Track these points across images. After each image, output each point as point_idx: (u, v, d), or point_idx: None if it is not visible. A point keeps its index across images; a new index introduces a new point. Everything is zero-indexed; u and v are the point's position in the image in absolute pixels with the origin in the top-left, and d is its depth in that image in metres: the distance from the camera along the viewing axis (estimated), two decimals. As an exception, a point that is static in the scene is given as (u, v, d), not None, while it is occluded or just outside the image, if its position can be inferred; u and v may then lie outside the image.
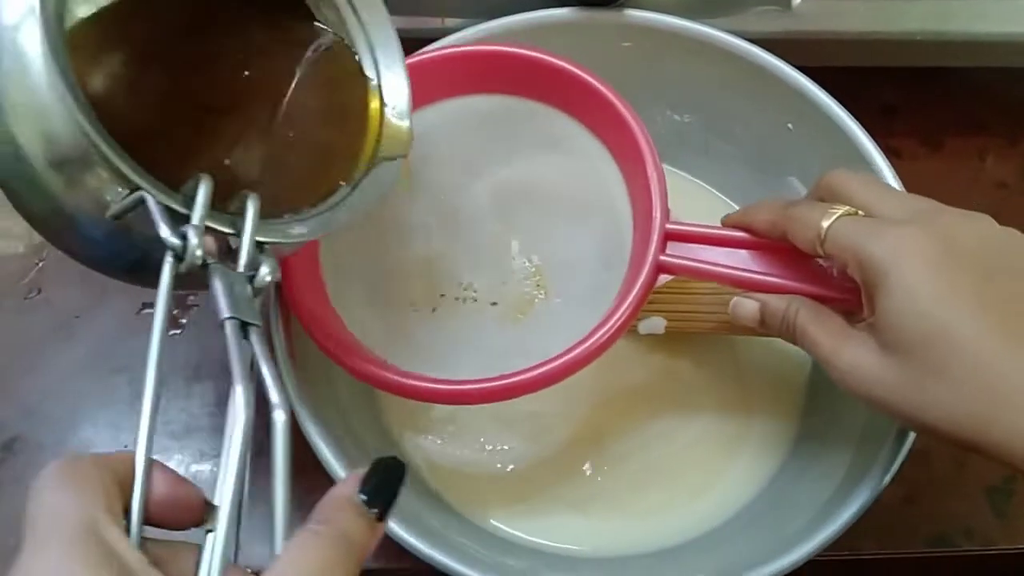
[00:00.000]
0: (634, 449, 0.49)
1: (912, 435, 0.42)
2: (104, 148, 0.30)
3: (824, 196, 0.40)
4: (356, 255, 0.45)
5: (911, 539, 0.51)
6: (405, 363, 0.41)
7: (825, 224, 0.37)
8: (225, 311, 0.30)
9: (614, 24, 0.51)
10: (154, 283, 0.35)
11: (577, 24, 0.51)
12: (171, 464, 0.50)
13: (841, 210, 0.38)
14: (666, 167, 0.54)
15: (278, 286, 0.44)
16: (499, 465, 0.49)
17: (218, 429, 0.52)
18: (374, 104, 0.40)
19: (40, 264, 0.57)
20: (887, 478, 0.42)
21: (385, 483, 0.29)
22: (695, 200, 0.56)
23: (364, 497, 0.28)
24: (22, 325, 0.55)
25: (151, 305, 0.55)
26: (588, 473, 0.49)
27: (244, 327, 0.30)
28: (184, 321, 0.55)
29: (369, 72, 0.40)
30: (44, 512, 0.26)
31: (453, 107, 0.45)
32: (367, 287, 0.45)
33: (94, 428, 0.52)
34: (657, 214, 0.42)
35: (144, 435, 0.28)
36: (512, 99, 0.46)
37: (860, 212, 0.38)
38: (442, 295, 0.45)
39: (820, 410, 0.50)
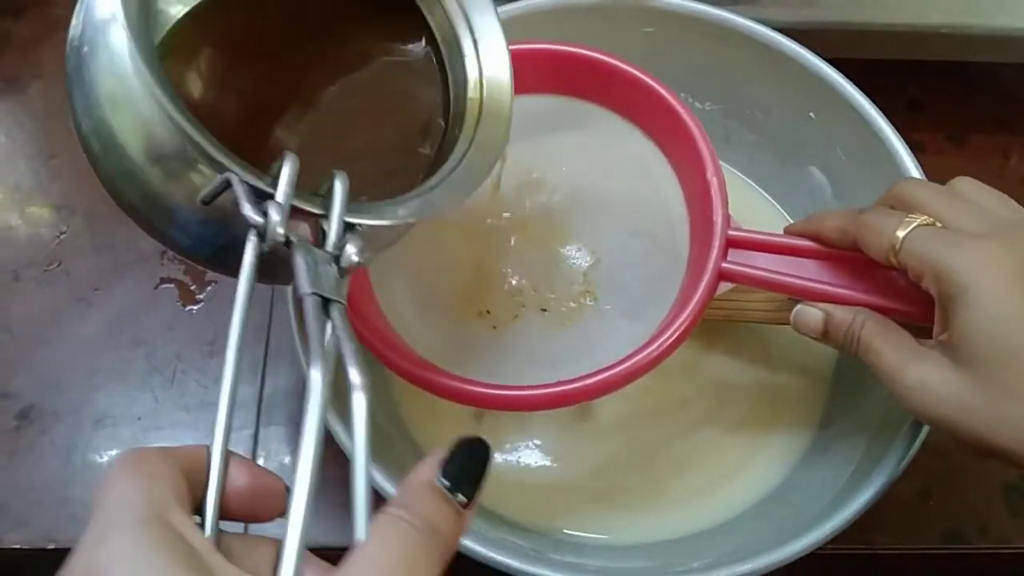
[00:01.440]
0: (659, 439, 0.49)
1: (927, 426, 0.42)
2: (190, 130, 0.30)
3: (893, 205, 0.39)
4: (401, 257, 0.44)
5: (926, 534, 0.50)
6: (450, 369, 0.41)
7: (901, 233, 0.36)
8: (305, 286, 0.29)
9: (637, 8, 0.51)
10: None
11: (599, 8, 0.51)
12: (185, 438, 0.51)
13: (918, 220, 0.37)
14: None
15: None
16: (522, 461, 0.48)
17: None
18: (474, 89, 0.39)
19: (61, 237, 0.57)
20: (900, 468, 0.41)
21: (468, 466, 0.27)
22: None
23: (447, 483, 0.26)
24: (41, 296, 0.55)
25: (169, 280, 0.56)
26: (609, 463, 0.48)
27: (325, 304, 0.29)
28: (201, 297, 0.55)
29: (471, 64, 0.39)
30: (111, 501, 0.25)
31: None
32: (412, 290, 0.44)
33: (109, 400, 0.52)
34: (719, 219, 0.41)
35: (222, 424, 0.27)
36: (562, 99, 0.46)
37: (937, 223, 0.37)
38: (489, 305, 0.45)
39: (844, 400, 0.49)
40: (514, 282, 0.45)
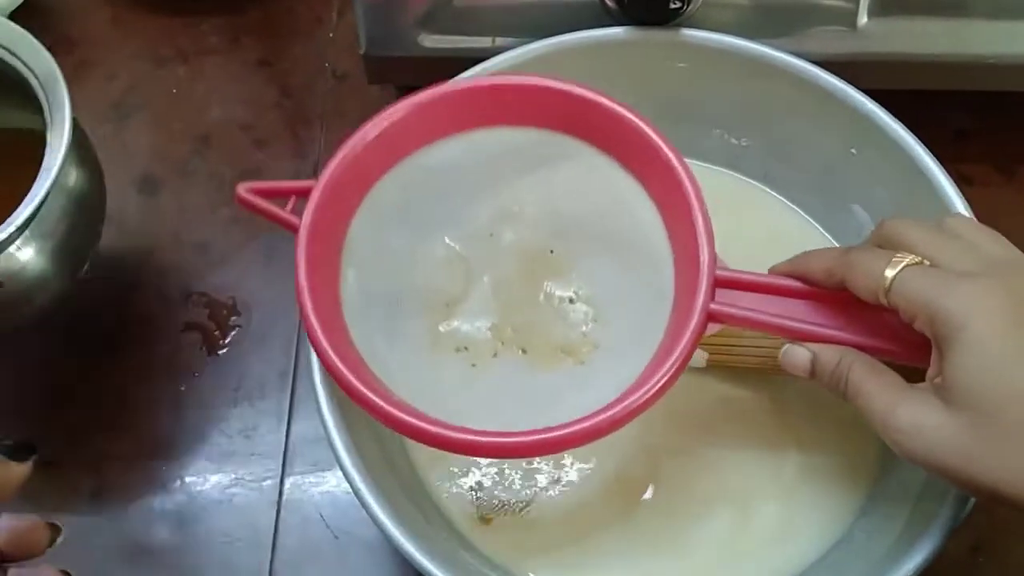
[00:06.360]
0: (692, 504, 0.46)
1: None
2: None
3: (883, 244, 0.39)
4: (377, 295, 0.42)
5: (978, 593, 0.48)
6: (431, 412, 0.39)
7: (890, 274, 0.35)
8: None
9: (670, 44, 0.50)
10: None
11: (631, 44, 0.50)
12: (207, 486, 0.50)
13: (907, 259, 0.36)
14: (726, 171, 0.54)
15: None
16: (535, 512, 0.47)
17: (254, 453, 0.51)
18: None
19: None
20: (948, 531, 0.39)
21: None
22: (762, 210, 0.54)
23: None
24: (68, 344, 0.55)
25: (193, 326, 0.55)
26: (628, 519, 0.46)
27: None
28: (225, 343, 0.55)
29: None
30: None
31: (480, 138, 0.43)
32: (388, 329, 0.42)
33: (133, 448, 0.52)
34: (705, 258, 0.39)
35: None
36: (543, 133, 0.44)
37: (925, 261, 0.36)
38: (467, 341, 0.43)
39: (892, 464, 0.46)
40: (492, 320, 0.43)
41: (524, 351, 0.42)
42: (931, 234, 0.37)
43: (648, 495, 0.47)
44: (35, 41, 0.47)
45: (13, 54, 0.47)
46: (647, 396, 0.37)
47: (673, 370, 0.38)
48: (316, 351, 0.39)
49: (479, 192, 0.44)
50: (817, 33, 0.51)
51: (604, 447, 0.47)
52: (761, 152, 0.53)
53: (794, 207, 0.54)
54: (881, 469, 0.46)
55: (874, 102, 0.47)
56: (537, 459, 0.47)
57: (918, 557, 0.39)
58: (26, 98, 0.47)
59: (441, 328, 0.43)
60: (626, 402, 0.37)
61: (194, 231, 0.58)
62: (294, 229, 0.40)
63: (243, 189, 0.41)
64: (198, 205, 0.59)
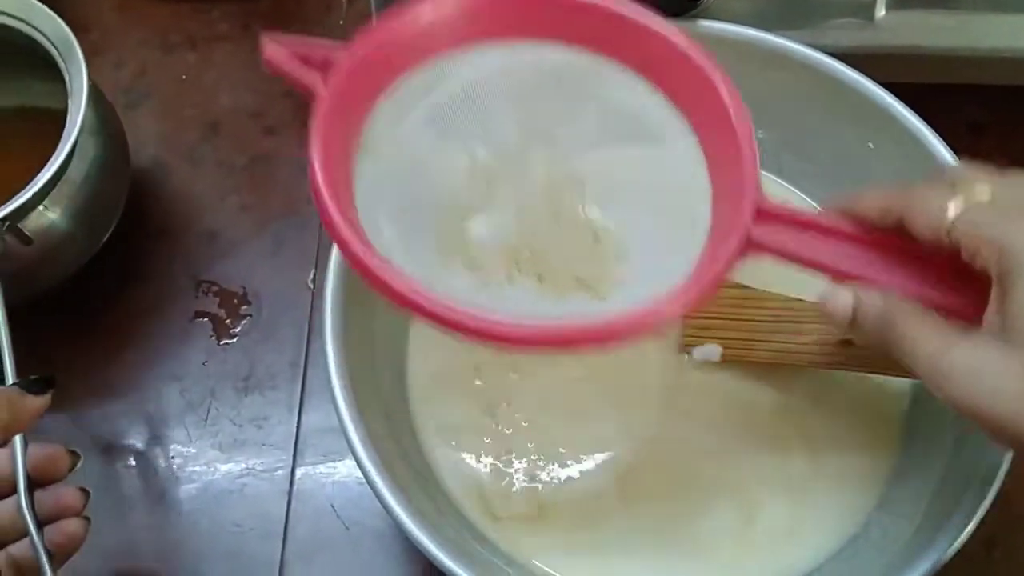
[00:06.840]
0: (705, 496, 0.47)
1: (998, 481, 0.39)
2: None
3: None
4: (391, 195, 0.38)
5: (992, 589, 0.48)
6: None
7: (956, 205, 0.34)
8: None
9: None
10: None
11: (648, 34, 0.49)
12: (219, 480, 0.50)
13: (974, 192, 0.34)
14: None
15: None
16: (545, 505, 0.47)
17: (265, 443, 0.51)
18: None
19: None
20: (966, 532, 0.40)
21: None
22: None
23: None
24: (77, 331, 0.55)
25: (203, 314, 0.55)
26: (636, 513, 0.46)
27: None
28: (236, 331, 0.54)
29: None
30: None
31: (526, 53, 0.39)
32: (404, 242, 0.38)
33: (143, 437, 0.52)
34: (749, 181, 0.36)
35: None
36: (573, 53, 0.40)
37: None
38: (481, 258, 0.40)
39: (916, 452, 0.46)
40: (510, 241, 0.41)
41: (540, 278, 0.40)
42: (994, 178, 0.35)
43: (657, 490, 0.47)
44: (47, 9, 0.48)
45: (34, 27, 0.48)
46: (675, 305, 0.35)
47: (707, 281, 0.35)
48: (322, 216, 0.35)
49: (516, 109, 0.41)
50: (835, 25, 0.51)
51: (613, 441, 0.47)
52: (776, 145, 0.52)
53: (808, 200, 0.53)
54: (896, 466, 0.46)
55: (892, 95, 0.47)
56: (544, 455, 0.47)
57: (935, 555, 0.39)
58: (55, 74, 0.48)
59: (455, 241, 0.40)
60: (647, 308, 0.34)
61: (203, 219, 0.57)
62: (314, 94, 0.36)
63: (270, 44, 0.36)
64: (207, 193, 0.58)
